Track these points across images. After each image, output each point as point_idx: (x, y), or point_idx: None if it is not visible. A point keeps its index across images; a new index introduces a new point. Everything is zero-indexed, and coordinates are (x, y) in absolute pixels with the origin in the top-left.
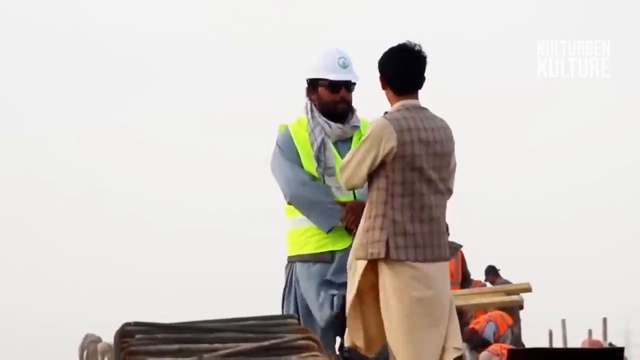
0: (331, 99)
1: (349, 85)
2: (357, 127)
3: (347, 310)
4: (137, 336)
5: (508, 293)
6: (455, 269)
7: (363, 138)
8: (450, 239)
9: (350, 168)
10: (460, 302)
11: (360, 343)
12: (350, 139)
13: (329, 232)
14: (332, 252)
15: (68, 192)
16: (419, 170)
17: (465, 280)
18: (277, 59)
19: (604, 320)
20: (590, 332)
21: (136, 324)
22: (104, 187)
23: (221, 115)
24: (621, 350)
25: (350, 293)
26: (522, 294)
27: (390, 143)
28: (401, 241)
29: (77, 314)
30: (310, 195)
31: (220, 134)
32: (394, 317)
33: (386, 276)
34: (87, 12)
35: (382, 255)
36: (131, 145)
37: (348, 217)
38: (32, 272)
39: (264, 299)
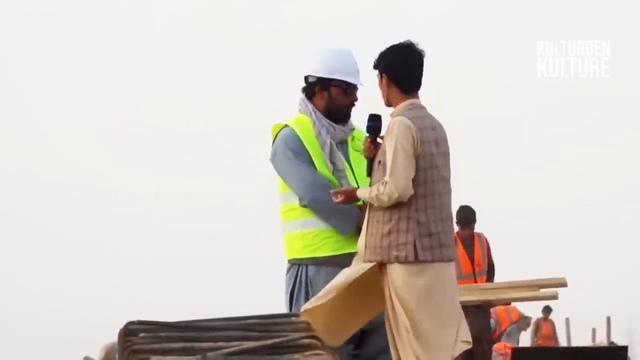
0: (343, 102)
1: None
2: (353, 130)
3: (327, 289)
4: (141, 335)
5: (542, 287)
6: (482, 257)
7: (392, 143)
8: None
9: (402, 178)
10: (490, 296)
11: (320, 328)
12: (346, 141)
13: (347, 234)
14: (349, 254)
15: (73, 190)
16: (436, 169)
17: (490, 270)
18: (276, 58)
19: (608, 319)
20: (594, 331)
21: (140, 322)
22: (108, 185)
23: (223, 114)
24: (624, 348)
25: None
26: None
27: (416, 141)
28: (427, 242)
29: (81, 313)
30: (330, 198)
31: (223, 134)
32: (415, 320)
33: (409, 279)
34: (91, 12)
35: (412, 258)
36: (134, 144)
37: None
38: (37, 270)
39: (267, 297)
